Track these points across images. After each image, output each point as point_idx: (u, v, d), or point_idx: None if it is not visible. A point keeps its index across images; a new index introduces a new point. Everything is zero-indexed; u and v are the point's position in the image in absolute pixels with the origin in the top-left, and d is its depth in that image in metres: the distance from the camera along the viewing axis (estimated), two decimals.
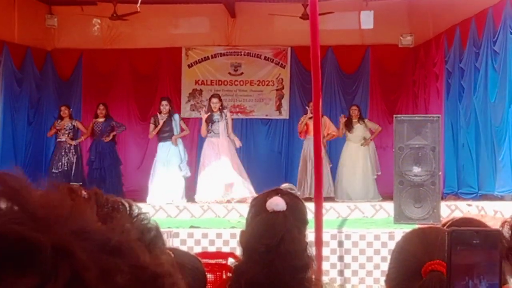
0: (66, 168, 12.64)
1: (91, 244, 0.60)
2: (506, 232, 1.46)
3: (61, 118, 12.90)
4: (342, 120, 12.81)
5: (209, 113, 12.06)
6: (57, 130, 12.87)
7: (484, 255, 1.10)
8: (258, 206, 2.23)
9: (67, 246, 0.58)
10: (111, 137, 13.02)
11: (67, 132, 12.81)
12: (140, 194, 12.60)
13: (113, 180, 12.89)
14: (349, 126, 12.74)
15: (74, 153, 12.78)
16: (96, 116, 13.06)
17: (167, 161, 12.21)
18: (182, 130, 12.57)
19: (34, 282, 0.56)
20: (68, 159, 12.71)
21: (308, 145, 12.47)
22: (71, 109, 13.12)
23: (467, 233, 1.13)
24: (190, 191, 12.25)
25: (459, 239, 1.12)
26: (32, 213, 0.59)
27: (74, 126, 12.90)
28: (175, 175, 12.16)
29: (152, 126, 12.49)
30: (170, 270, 0.67)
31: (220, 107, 12.14)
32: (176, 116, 12.47)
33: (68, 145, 12.77)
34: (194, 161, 12.79)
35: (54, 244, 0.57)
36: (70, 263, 0.58)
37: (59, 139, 12.83)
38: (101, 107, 13.09)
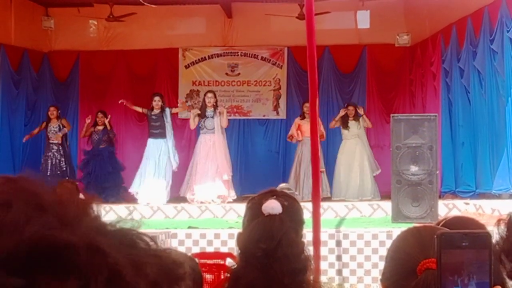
0: (56, 170, 12.55)
1: (112, 239, 0.61)
2: (501, 230, 1.46)
3: (49, 119, 12.84)
4: (342, 113, 12.82)
5: (197, 112, 12.19)
6: (42, 130, 12.82)
7: (474, 256, 1.11)
8: (254, 209, 2.21)
9: (97, 244, 0.59)
10: (104, 144, 12.96)
11: (54, 133, 12.76)
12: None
13: (111, 186, 12.72)
14: (345, 123, 12.76)
15: (62, 154, 12.70)
16: (95, 124, 12.98)
17: (158, 160, 12.17)
18: (175, 114, 12.89)
19: (78, 284, 0.57)
20: (56, 160, 12.64)
21: (301, 146, 12.50)
22: (59, 111, 12.99)
23: (456, 235, 1.14)
24: (177, 190, 12.26)
25: (448, 241, 1.13)
26: (56, 216, 0.60)
27: (59, 126, 12.82)
28: (162, 177, 12.12)
29: (139, 109, 12.67)
30: (180, 260, 0.67)
31: (215, 104, 12.17)
32: (167, 110, 12.45)
33: (57, 147, 12.70)
34: (189, 159, 12.72)
35: (85, 244, 0.58)
36: (105, 261, 0.58)
37: (49, 141, 12.79)
38: (100, 115, 13.01)
